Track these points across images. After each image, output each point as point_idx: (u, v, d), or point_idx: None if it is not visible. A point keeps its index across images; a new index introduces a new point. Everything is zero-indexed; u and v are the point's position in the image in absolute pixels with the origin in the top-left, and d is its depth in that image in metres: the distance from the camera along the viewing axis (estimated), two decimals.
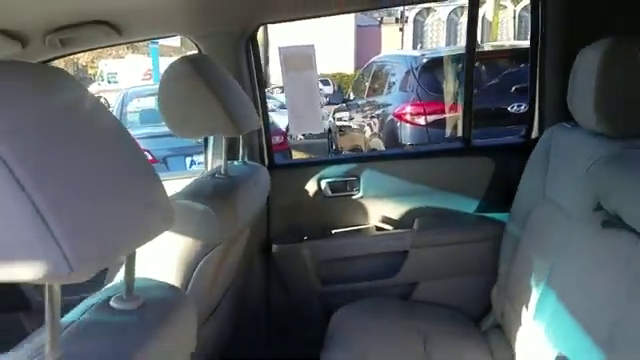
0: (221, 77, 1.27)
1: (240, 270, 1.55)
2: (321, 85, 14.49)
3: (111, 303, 0.65)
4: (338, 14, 1.82)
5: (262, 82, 1.74)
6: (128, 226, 0.54)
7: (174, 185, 1.27)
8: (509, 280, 1.45)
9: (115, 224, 0.52)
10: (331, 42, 15.29)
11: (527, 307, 1.25)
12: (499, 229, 1.60)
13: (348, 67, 15.67)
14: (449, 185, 1.73)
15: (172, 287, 0.78)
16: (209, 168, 1.72)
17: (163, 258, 1.10)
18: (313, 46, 1.68)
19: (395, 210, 1.76)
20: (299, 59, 1.67)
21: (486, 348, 1.46)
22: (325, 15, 1.74)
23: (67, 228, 0.45)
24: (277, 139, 5.31)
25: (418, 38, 17.62)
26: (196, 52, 1.68)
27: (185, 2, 1.48)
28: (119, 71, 12.98)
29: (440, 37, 17.81)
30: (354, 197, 1.77)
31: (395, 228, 1.76)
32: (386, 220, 1.77)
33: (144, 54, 13.19)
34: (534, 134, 1.67)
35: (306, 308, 1.76)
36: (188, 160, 4.60)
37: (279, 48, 1.69)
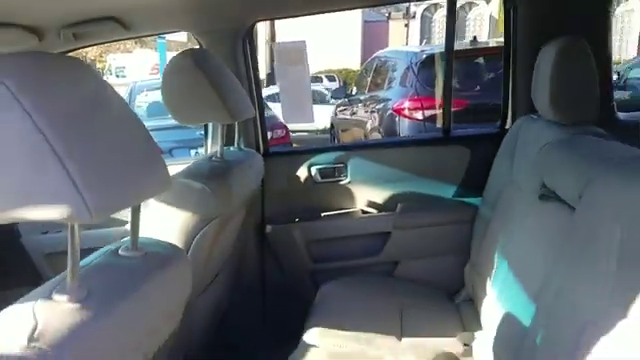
0: (219, 70, 1.41)
1: (236, 248, 1.70)
2: (327, 81, 14.60)
3: (119, 251, 0.80)
4: (329, 12, 1.95)
5: (258, 75, 1.89)
6: (133, 183, 0.68)
7: (177, 169, 1.41)
8: (479, 257, 1.59)
9: (123, 181, 0.66)
10: (338, 38, 15.37)
11: (489, 278, 1.39)
12: (474, 212, 1.74)
13: (355, 63, 15.73)
14: (429, 172, 1.87)
15: (171, 244, 0.92)
16: (208, 153, 1.87)
17: (164, 230, 1.23)
18: (304, 42, 1.81)
19: (379, 195, 1.90)
20: (291, 54, 1.81)
21: (457, 318, 1.60)
22: (318, 13, 1.87)
23: (87, 182, 0.59)
24: (279, 132, 5.45)
25: (425, 34, 17.64)
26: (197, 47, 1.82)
27: (187, 0, 1.62)
28: (127, 65, 13.15)
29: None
30: (342, 183, 1.91)
31: (379, 211, 1.90)
32: (371, 204, 1.91)
33: (152, 49, 13.34)
34: (507, 125, 1.80)
35: (297, 283, 1.90)
36: (193, 152, 4.74)
37: (273, 44, 1.82)
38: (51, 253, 1.90)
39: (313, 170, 1.91)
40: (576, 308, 0.81)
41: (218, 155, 1.47)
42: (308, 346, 1.40)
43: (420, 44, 14.26)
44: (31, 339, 0.57)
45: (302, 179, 1.92)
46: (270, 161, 1.83)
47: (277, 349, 1.44)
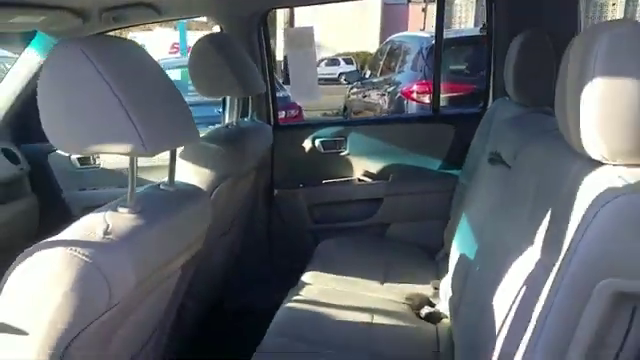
0: (236, 51, 1.66)
1: (247, 206, 1.97)
2: (344, 63, 14.67)
3: (161, 186, 1.07)
4: (339, 1, 2.18)
5: (270, 55, 2.14)
6: (176, 130, 0.95)
7: None
8: (455, 220, 1.85)
9: (169, 128, 0.93)
10: (357, 20, 15.40)
11: (457, 234, 1.65)
12: (455, 182, 1.99)
13: (373, 46, 15.75)
14: (419, 146, 2.12)
15: (197, 187, 1.19)
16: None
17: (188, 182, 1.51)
18: (312, 27, 2.06)
19: (374, 165, 2.16)
20: (301, 38, 2.05)
21: (434, 272, 1.85)
22: (329, 2, 2.10)
23: (144, 126, 0.85)
24: (292, 112, 5.69)
25: (446, 18, 17.48)
26: (218, 30, 2.08)
27: None
28: (147, 43, 13.42)
29: (469, 17, 17.69)
30: (342, 154, 2.18)
31: (373, 180, 2.17)
32: (366, 173, 2.18)
33: (171, 27, 13.59)
34: (488, 106, 2.04)
35: (299, 239, 2.18)
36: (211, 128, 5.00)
37: (284, 30, 2.07)
38: (88, 207, 2.20)
39: (317, 142, 2.18)
40: (504, 240, 1.06)
41: (234, 124, 1.73)
42: (305, 284, 1.68)
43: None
44: (105, 232, 0.85)
45: (307, 150, 2.19)
46: (279, 133, 2.09)
47: (280, 287, 1.71)
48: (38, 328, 0.78)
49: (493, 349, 0.92)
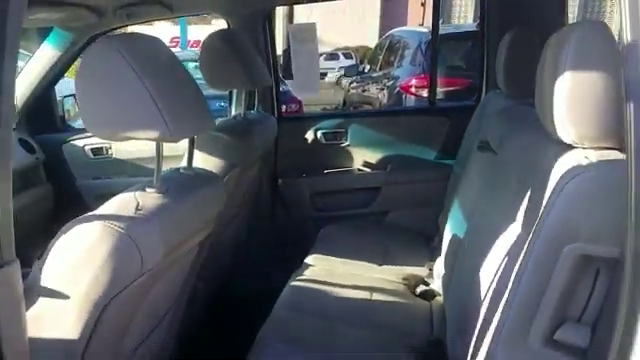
0: (243, 46, 1.77)
1: (252, 195, 2.08)
2: (343, 58, 14.72)
3: (180, 170, 1.18)
4: None
5: (275, 50, 2.24)
6: (196, 118, 1.06)
7: None
8: (449, 207, 1.96)
9: (190, 116, 1.03)
10: (356, 14, 15.43)
11: (449, 217, 1.76)
12: (449, 171, 2.10)
13: (372, 40, 15.79)
14: (416, 137, 2.23)
15: (213, 172, 1.31)
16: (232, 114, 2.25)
17: None
18: (314, 24, 2.16)
19: (373, 156, 2.28)
20: (303, 34, 2.15)
21: (429, 256, 1.97)
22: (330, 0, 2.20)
23: (169, 114, 0.96)
24: (293, 106, 5.79)
25: (445, 13, 17.55)
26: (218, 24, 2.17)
27: None
28: None
29: (469, 12, 17.72)
30: (342, 145, 2.29)
31: (372, 170, 2.28)
32: (366, 164, 2.30)
33: (170, 22, 13.63)
34: (482, 98, 2.15)
35: (302, 226, 2.30)
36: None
37: (287, 26, 2.18)
38: (101, 195, 2.31)
39: (318, 134, 2.29)
40: (491, 219, 1.17)
41: (241, 116, 1.84)
42: (308, 266, 1.80)
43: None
44: (137, 209, 0.96)
45: (309, 141, 2.30)
46: (283, 125, 2.20)
47: (284, 271, 1.83)
48: (79, 292, 0.89)
49: (477, 317, 1.03)
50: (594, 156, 0.83)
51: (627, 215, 0.66)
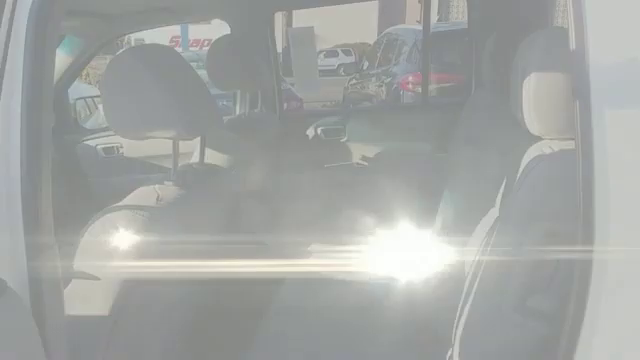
0: (247, 49, 1.89)
1: (255, 190, 2.20)
2: (342, 55, 14.79)
3: (193, 165, 1.31)
4: (342, 3, 2.40)
5: (276, 52, 2.37)
6: (208, 118, 1.18)
7: None
8: (442, 196, 2.08)
9: (203, 116, 1.16)
10: (355, 12, 15.49)
11: (440, 207, 1.89)
12: (444, 164, 2.22)
13: (372, 37, 15.84)
14: (411, 133, 2.35)
15: (222, 167, 1.43)
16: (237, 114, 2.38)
17: None
18: (313, 27, 2.28)
19: (371, 151, 2.40)
20: (302, 37, 2.28)
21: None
22: (331, 4, 2.32)
23: (185, 114, 1.08)
24: (294, 104, 5.91)
25: (443, 10, 17.61)
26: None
27: None
28: (145, 37, 13.57)
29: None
30: (341, 140, 2.41)
31: (370, 164, 2.40)
32: (364, 158, 2.42)
33: None
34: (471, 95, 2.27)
35: None
36: None
37: (287, 29, 2.31)
38: (112, 192, 2.44)
39: (319, 130, 2.41)
40: (475, 206, 1.29)
41: (245, 114, 1.97)
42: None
43: (436, 21, 14.35)
44: (157, 199, 1.09)
45: (310, 136, 2.42)
46: (284, 122, 2.32)
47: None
48: (108, 274, 1.01)
49: (462, 288, 1.15)
50: (557, 146, 0.96)
51: (577, 193, 0.78)
